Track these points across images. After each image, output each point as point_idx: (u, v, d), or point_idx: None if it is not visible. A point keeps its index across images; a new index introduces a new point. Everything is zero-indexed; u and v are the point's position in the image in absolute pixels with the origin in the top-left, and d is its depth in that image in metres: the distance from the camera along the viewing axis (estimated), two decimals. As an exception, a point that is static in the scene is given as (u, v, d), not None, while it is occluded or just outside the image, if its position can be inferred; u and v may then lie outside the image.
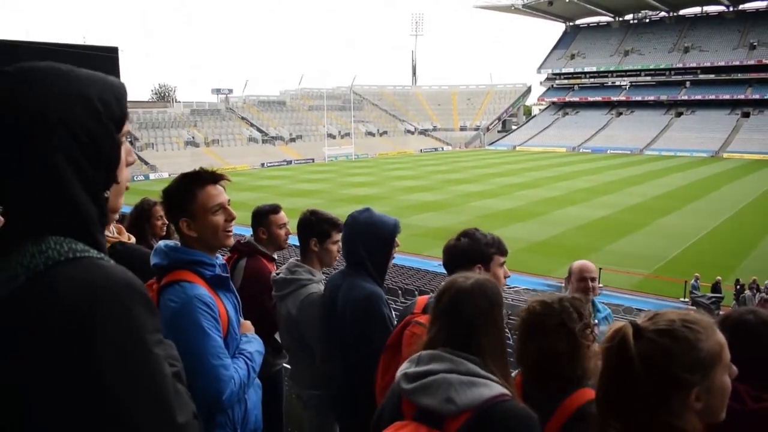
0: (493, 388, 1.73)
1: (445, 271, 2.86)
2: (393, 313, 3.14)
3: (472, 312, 1.84)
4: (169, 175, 58.03)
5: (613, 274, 22.27)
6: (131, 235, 4.07)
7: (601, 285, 20.56)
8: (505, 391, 1.74)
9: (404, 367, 1.89)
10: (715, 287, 20.17)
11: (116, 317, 1.09)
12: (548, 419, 2.01)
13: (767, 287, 19.89)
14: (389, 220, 3.17)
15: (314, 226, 3.41)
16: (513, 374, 2.33)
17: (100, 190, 1.20)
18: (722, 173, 56.37)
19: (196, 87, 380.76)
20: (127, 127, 1.29)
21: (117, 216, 3.35)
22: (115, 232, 3.77)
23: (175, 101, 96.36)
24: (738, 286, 20.08)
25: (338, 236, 3.42)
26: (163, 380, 1.14)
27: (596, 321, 3.86)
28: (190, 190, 2.51)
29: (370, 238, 3.09)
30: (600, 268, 21.92)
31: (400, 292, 13.06)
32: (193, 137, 75.31)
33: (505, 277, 2.91)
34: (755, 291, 19.85)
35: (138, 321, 1.11)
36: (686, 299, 20.21)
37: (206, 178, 2.54)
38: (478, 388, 1.72)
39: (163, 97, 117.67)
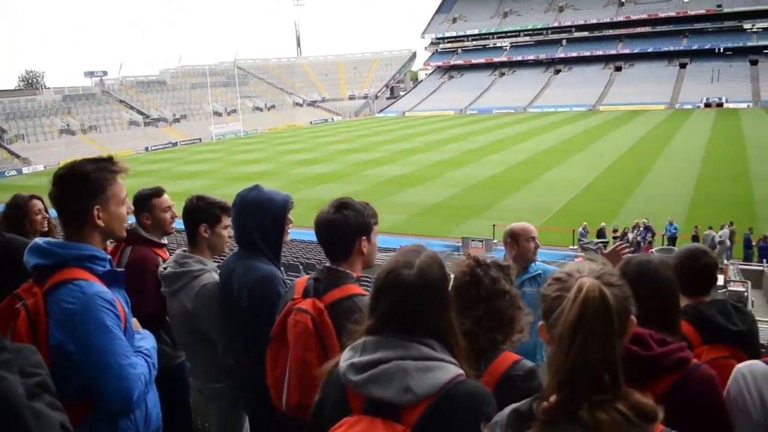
0: (447, 371, 1.64)
1: (321, 246, 2.59)
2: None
3: (422, 305, 1.70)
4: (45, 167, 54.29)
5: (506, 229, 23.06)
6: None
7: (495, 241, 21.42)
8: (459, 371, 1.66)
9: (347, 357, 1.73)
10: (600, 233, 21.44)
11: None
12: None
13: (644, 227, 21.31)
14: (280, 195, 3.04)
15: (203, 211, 3.23)
16: None
17: None
18: (600, 125, 59.63)
19: (67, 71, 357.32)
20: None
21: None
22: None
23: (45, 87, 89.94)
24: (615, 233, 21.47)
25: (228, 220, 3.27)
26: (19, 410, 1.00)
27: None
28: (108, 177, 2.32)
29: (263, 217, 2.95)
30: (494, 225, 22.73)
31: (300, 267, 12.95)
32: (68, 125, 70.77)
33: None
34: (637, 232, 21.25)
35: None
36: (575, 246, 21.31)
37: (119, 168, 2.39)
38: (434, 372, 1.62)
39: (31, 83, 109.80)
